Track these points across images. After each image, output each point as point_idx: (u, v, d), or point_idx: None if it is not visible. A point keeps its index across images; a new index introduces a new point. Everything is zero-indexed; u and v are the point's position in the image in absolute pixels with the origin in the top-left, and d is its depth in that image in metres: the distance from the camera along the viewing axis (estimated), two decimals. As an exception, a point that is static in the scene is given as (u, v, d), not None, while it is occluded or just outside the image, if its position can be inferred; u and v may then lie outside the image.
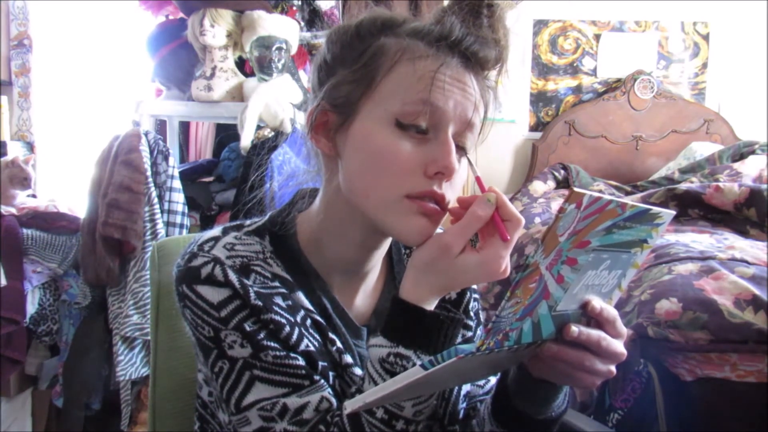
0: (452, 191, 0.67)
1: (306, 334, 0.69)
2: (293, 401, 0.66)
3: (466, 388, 0.83)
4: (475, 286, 0.86)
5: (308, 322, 0.71)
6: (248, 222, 0.77)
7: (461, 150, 0.68)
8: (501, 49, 0.68)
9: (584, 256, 0.57)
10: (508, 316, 0.56)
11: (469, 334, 0.83)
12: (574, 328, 0.59)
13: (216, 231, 0.74)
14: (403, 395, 0.62)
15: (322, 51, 0.72)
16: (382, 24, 0.69)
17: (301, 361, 0.67)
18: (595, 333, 0.60)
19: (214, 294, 0.67)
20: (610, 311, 0.62)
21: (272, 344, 0.67)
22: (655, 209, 0.60)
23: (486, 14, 0.66)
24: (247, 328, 0.66)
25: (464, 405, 0.82)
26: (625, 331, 0.63)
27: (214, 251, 0.69)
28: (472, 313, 0.84)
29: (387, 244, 0.77)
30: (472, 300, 0.85)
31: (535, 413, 0.70)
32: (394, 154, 0.65)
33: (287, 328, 0.67)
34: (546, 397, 0.69)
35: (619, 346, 0.62)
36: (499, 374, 0.76)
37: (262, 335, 0.67)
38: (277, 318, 0.67)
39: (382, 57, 0.67)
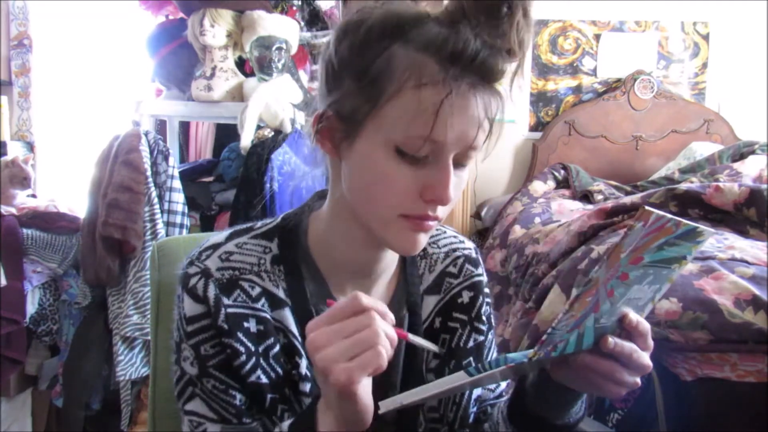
0: (449, 206, 0.68)
1: (264, 364, 0.70)
2: (215, 430, 0.70)
3: (477, 392, 0.83)
4: (487, 290, 0.86)
5: (275, 349, 0.71)
6: (259, 224, 0.77)
7: (462, 166, 0.68)
8: (520, 56, 0.64)
9: (635, 272, 0.58)
10: (561, 328, 0.57)
11: (481, 338, 0.83)
12: (611, 340, 0.60)
13: (221, 236, 0.75)
14: (437, 397, 0.63)
15: (332, 46, 0.68)
16: (393, 28, 0.64)
17: (237, 400, 0.70)
18: (627, 345, 0.61)
19: (190, 307, 0.70)
20: (645, 325, 0.63)
21: (216, 374, 0.70)
22: (701, 227, 0.60)
23: (506, 13, 0.61)
24: (202, 351, 0.70)
25: (475, 409, 0.82)
26: (652, 344, 0.64)
27: (207, 261, 0.71)
28: (484, 318, 0.84)
29: None
30: (484, 305, 0.84)
31: (552, 418, 0.71)
32: (393, 180, 0.65)
33: (243, 357, 0.69)
34: (565, 403, 0.70)
35: (647, 358, 0.63)
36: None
37: (212, 362, 0.70)
38: (237, 345, 0.69)
39: (388, 76, 0.63)
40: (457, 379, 0.57)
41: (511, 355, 0.57)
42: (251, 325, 0.70)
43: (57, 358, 2.08)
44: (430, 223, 0.67)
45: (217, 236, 0.75)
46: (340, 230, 0.73)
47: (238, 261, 0.72)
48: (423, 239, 0.68)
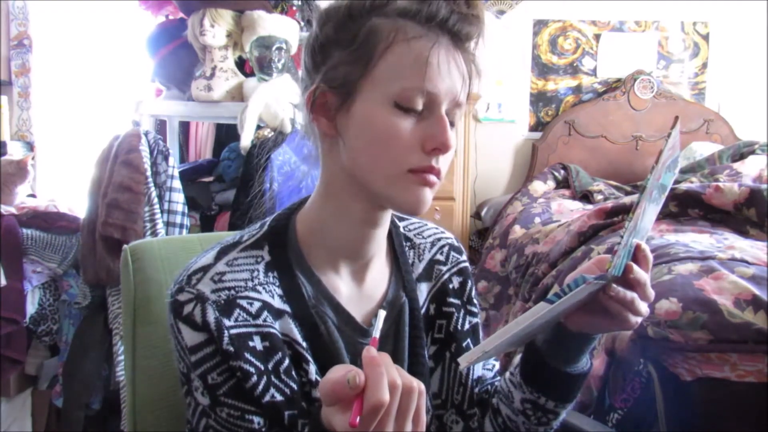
0: (447, 161, 0.71)
1: (276, 382, 0.69)
2: None
3: (478, 372, 0.85)
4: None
5: (285, 364, 0.70)
6: (246, 236, 0.76)
7: (451, 124, 0.71)
8: (480, 23, 0.71)
9: (656, 190, 0.63)
10: (625, 240, 0.61)
11: (475, 320, 0.86)
12: (635, 267, 0.66)
13: (209, 256, 0.72)
14: (520, 336, 0.64)
15: (314, 33, 0.73)
16: (371, 5, 0.70)
17: (255, 423, 0.68)
18: (644, 275, 0.67)
19: (190, 336, 0.68)
20: (650, 255, 0.68)
21: (229, 401, 0.68)
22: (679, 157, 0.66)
23: None
24: (210, 381, 0.68)
25: (476, 390, 0.85)
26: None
27: (199, 285, 0.69)
28: (474, 301, 0.88)
29: (386, 223, 0.77)
30: (473, 288, 0.89)
31: (570, 368, 0.76)
32: (396, 134, 0.68)
33: (254, 378, 0.68)
34: (579, 351, 0.75)
35: (651, 290, 0.68)
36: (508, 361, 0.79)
37: (223, 390, 0.68)
38: (246, 366, 0.67)
39: (376, 37, 0.68)
40: (539, 309, 0.59)
41: (585, 276, 0.61)
42: (257, 344, 0.69)
43: (57, 358, 2.08)
44: (434, 178, 0.69)
45: (204, 257, 0.72)
46: (334, 209, 0.74)
47: (231, 280, 0.70)
48: (429, 196, 0.70)
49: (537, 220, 2.65)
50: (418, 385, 0.56)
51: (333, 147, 0.72)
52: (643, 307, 0.68)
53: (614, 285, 0.65)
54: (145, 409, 0.87)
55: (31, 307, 1.99)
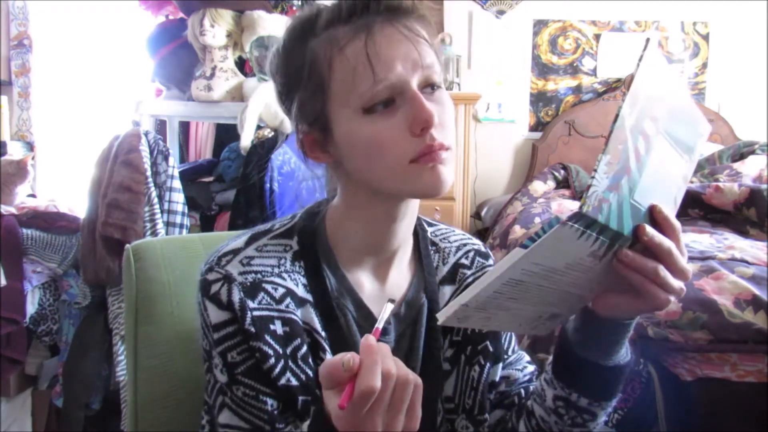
0: (445, 129, 0.69)
1: (293, 366, 0.70)
2: None
3: (496, 375, 0.83)
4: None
5: (303, 350, 0.71)
6: (277, 225, 0.78)
7: (435, 87, 0.70)
8: None
9: (653, 129, 0.56)
10: (601, 177, 0.53)
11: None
12: (649, 229, 0.57)
13: (241, 241, 0.75)
14: (498, 283, 0.56)
15: (274, 86, 0.75)
16: (300, 31, 0.71)
17: (269, 405, 0.69)
18: (666, 240, 0.59)
19: (214, 314, 0.70)
20: (677, 222, 0.60)
21: (246, 381, 0.69)
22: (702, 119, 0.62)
23: None
24: (229, 359, 0.70)
25: (497, 390, 0.83)
26: (686, 253, 0.61)
27: (228, 267, 0.71)
28: None
29: (408, 216, 0.77)
30: None
31: (603, 359, 0.71)
32: (380, 137, 0.67)
33: (272, 360, 0.69)
34: (613, 340, 0.70)
35: (685, 262, 0.60)
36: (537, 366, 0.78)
37: (241, 369, 0.69)
38: (265, 348, 0.69)
39: (317, 61, 0.69)
40: (514, 254, 0.53)
41: (559, 217, 0.53)
42: (277, 328, 0.70)
43: (57, 358, 2.08)
44: (441, 153, 0.67)
45: (235, 241, 0.75)
46: (356, 211, 0.75)
47: (258, 264, 0.73)
48: (444, 171, 0.68)
49: (537, 220, 2.65)
50: (414, 378, 0.56)
51: (340, 169, 0.74)
52: (675, 282, 0.60)
53: (627, 251, 0.58)
54: (146, 409, 0.88)
55: (31, 307, 1.99)
